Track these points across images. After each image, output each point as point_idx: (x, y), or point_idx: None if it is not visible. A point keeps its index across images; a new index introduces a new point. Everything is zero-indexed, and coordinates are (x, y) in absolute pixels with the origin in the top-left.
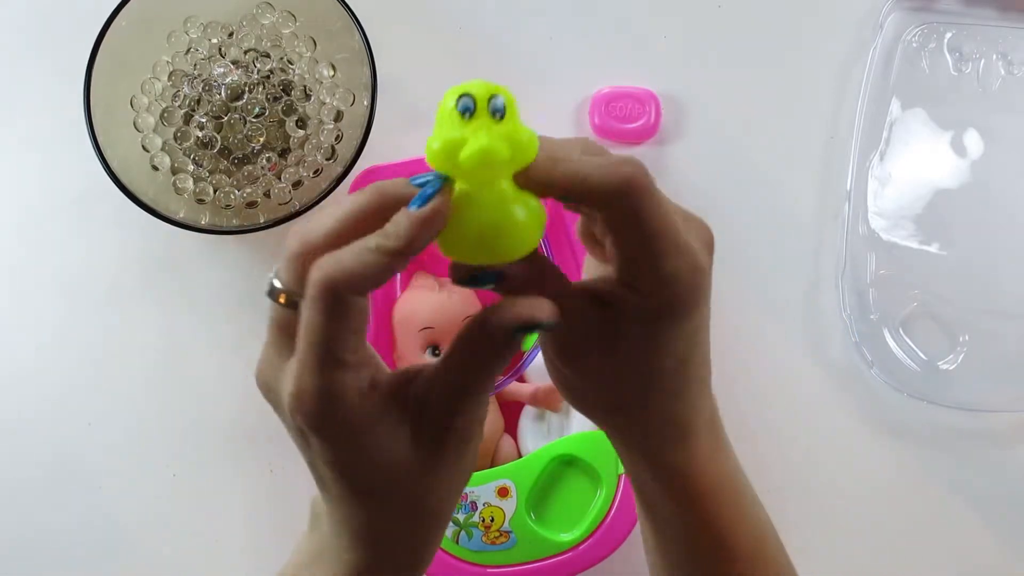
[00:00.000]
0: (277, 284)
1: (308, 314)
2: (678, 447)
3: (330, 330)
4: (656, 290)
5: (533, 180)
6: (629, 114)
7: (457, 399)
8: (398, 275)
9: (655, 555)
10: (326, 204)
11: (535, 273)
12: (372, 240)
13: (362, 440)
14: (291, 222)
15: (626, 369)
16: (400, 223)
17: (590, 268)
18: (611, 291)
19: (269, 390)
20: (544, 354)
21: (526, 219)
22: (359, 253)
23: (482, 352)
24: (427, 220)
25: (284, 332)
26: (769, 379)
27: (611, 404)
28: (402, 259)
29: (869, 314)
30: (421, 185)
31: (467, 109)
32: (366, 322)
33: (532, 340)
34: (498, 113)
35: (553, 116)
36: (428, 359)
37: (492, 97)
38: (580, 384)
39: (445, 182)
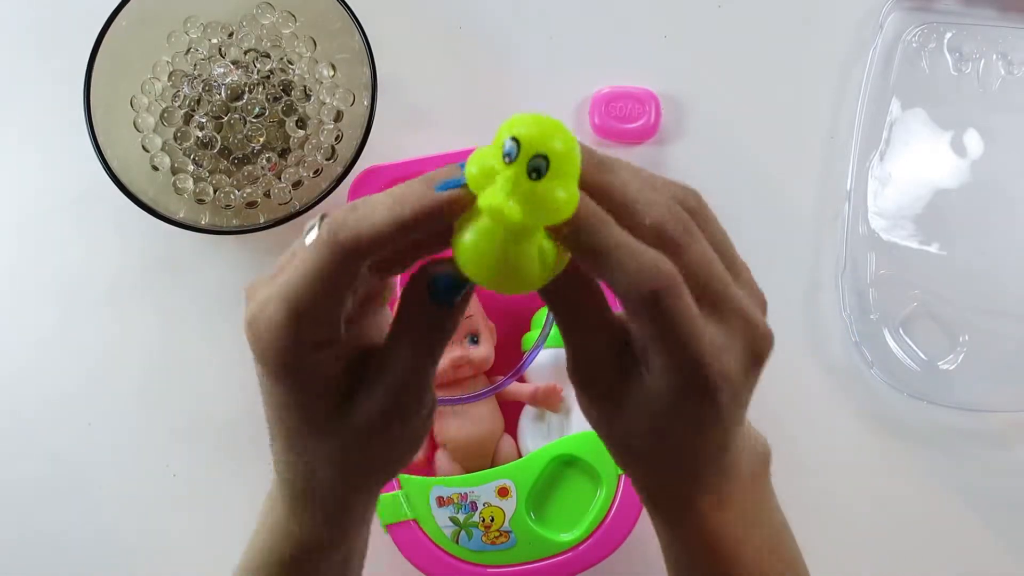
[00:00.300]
0: (314, 232)
1: (304, 256)
2: (687, 507)
3: (316, 279)
4: (659, 381)
5: (565, 240)
6: (629, 114)
7: (398, 370)
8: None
9: None
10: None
11: (572, 292)
12: (384, 204)
13: (296, 380)
14: (294, 220)
15: (635, 414)
16: (414, 196)
17: None
18: (634, 345)
19: (251, 288)
20: (571, 378)
21: (533, 262)
22: (367, 214)
23: (411, 317)
24: (436, 205)
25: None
26: (769, 379)
27: (622, 440)
28: (403, 233)
29: (869, 314)
30: (451, 182)
31: (508, 155)
32: (352, 287)
33: (531, 341)
34: (535, 173)
35: (553, 116)
36: None
37: (536, 156)
38: (595, 412)
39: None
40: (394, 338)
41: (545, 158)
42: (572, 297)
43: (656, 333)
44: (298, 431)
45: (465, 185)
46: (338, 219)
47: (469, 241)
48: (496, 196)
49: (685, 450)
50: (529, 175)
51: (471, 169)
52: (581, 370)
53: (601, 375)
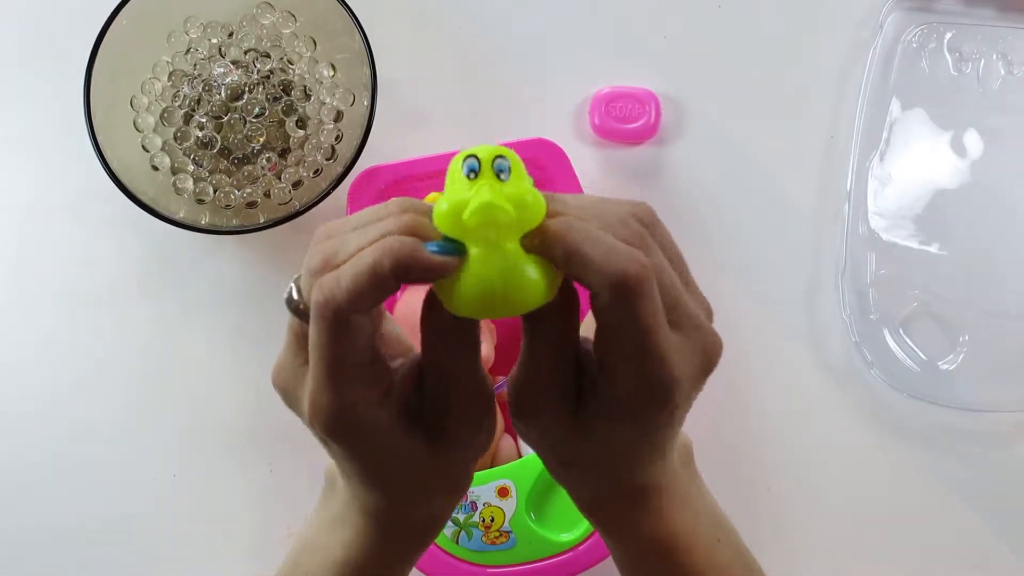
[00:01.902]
0: (295, 296)
1: (313, 333)
2: (629, 511)
3: (335, 348)
4: (620, 386)
5: (537, 245)
6: (629, 114)
7: (442, 380)
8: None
9: None
10: (352, 217)
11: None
12: (369, 257)
13: (378, 444)
14: (322, 225)
15: (582, 432)
16: (407, 250)
17: (588, 324)
18: (588, 358)
19: (287, 394)
20: (509, 395)
21: (534, 279)
22: (357, 274)
23: (435, 334)
24: (433, 266)
25: (301, 339)
26: (769, 379)
27: (563, 458)
28: (390, 281)
29: (869, 314)
30: (442, 248)
31: (472, 170)
32: (371, 334)
33: None
34: (503, 174)
35: (553, 116)
36: None
37: (496, 158)
38: (535, 434)
39: (462, 251)
40: (433, 359)
41: (503, 158)
42: (554, 320)
43: (624, 329)
44: (386, 479)
45: (460, 251)
46: (328, 277)
47: (474, 275)
48: (481, 196)
49: (631, 456)
50: (497, 176)
51: (441, 207)
52: (532, 395)
53: (551, 398)
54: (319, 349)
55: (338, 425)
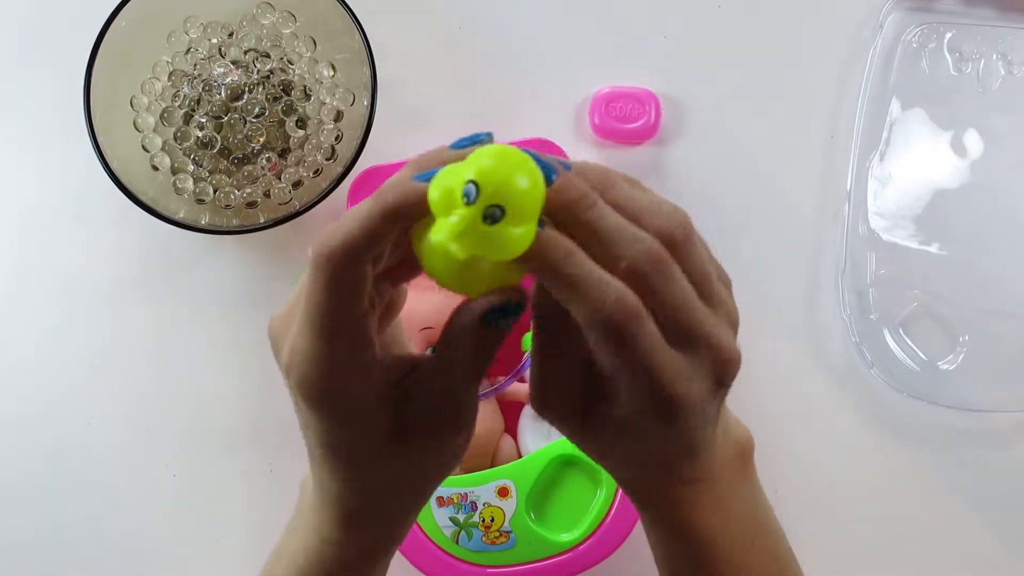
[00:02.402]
0: None
1: (307, 282)
2: (663, 501)
3: (324, 295)
4: (622, 403)
5: (528, 266)
6: (629, 114)
7: (448, 390)
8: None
9: None
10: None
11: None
12: (364, 203)
13: (349, 412)
14: (332, 223)
15: (607, 430)
16: (395, 186)
17: None
18: (601, 366)
19: (275, 342)
20: (536, 404)
21: (486, 273)
22: (351, 218)
23: (461, 342)
24: (416, 195)
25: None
26: (769, 379)
27: (594, 451)
28: (389, 223)
29: (869, 314)
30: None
31: (467, 196)
32: (362, 295)
33: (531, 341)
34: (489, 220)
35: (553, 116)
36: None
37: (492, 205)
38: (566, 429)
39: (446, 168)
40: (444, 361)
41: (501, 208)
42: (557, 320)
43: (620, 362)
44: (350, 460)
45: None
46: (325, 232)
47: (427, 250)
48: (442, 232)
49: (656, 454)
50: (484, 220)
51: (433, 194)
52: (550, 394)
53: (569, 396)
54: (309, 297)
55: (310, 379)
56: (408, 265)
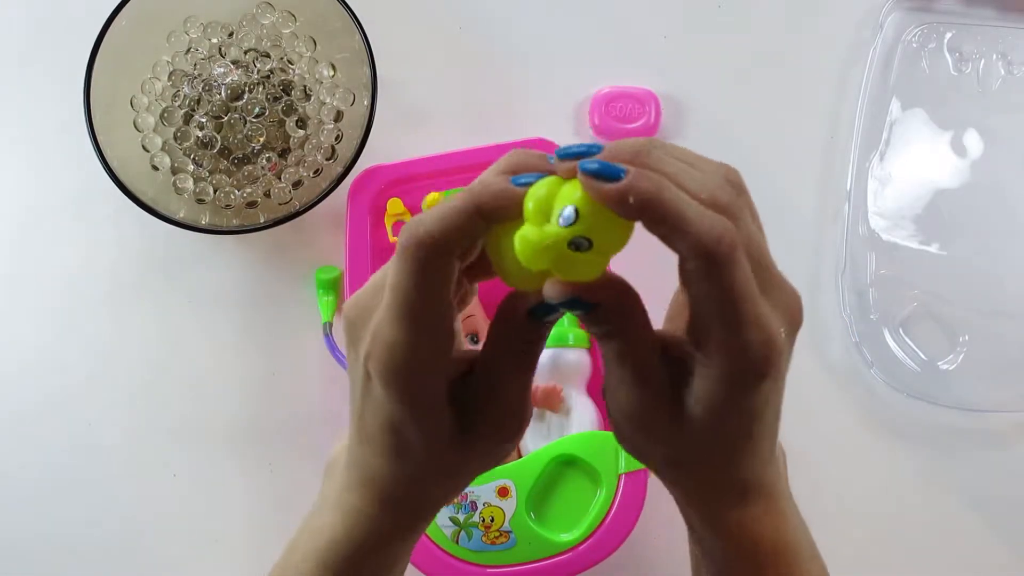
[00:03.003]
0: None
1: (393, 272)
2: (735, 508)
3: (415, 288)
4: (721, 358)
5: (628, 208)
6: (629, 114)
7: (495, 383)
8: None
9: None
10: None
11: (620, 307)
12: (458, 197)
13: (419, 400)
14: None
15: (687, 427)
16: (490, 186)
17: (674, 315)
18: (680, 347)
19: (353, 326)
20: (608, 406)
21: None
22: (439, 211)
23: (506, 336)
24: (510, 197)
25: (378, 286)
26: None
27: (670, 458)
28: (482, 221)
29: (869, 314)
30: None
31: (564, 220)
32: (449, 287)
33: None
34: (574, 247)
35: (553, 116)
36: None
37: (583, 236)
38: (639, 437)
39: (548, 179)
40: (495, 359)
41: (589, 241)
42: (626, 316)
43: (717, 297)
44: (410, 450)
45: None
46: (413, 222)
47: (501, 248)
48: (527, 243)
49: (733, 447)
50: (569, 246)
51: (528, 203)
52: (642, 408)
53: (648, 403)
54: (397, 286)
55: (397, 365)
56: (486, 265)
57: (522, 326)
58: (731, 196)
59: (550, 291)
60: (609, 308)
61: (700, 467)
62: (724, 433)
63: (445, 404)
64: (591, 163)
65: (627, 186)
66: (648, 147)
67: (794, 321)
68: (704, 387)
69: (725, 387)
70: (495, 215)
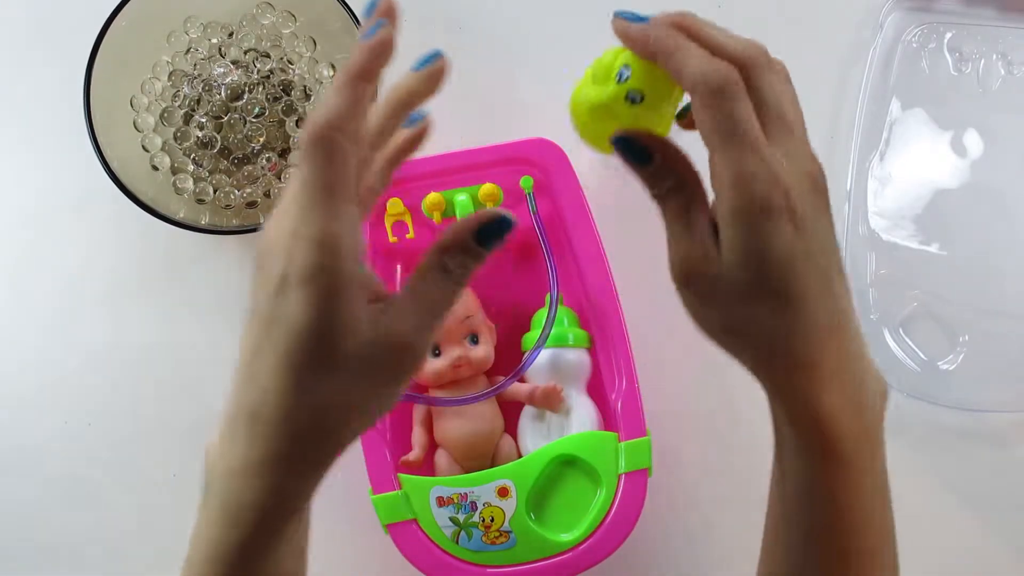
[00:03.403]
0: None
1: (302, 169)
2: (793, 379)
3: (324, 173)
4: (724, 192)
5: (647, 47)
6: None
7: (415, 327)
8: (398, 275)
9: (772, 531)
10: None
11: (682, 161)
12: (335, 81)
13: (342, 296)
14: None
15: (726, 282)
16: (354, 53)
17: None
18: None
19: (264, 254)
20: (672, 273)
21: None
22: (326, 99)
23: (439, 256)
24: (374, 47)
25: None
26: None
27: (725, 324)
28: (362, 84)
29: (869, 314)
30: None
31: (619, 76)
32: (353, 168)
33: (531, 341)
34: (629, 100)
35: (552, 116)
36: (429, 360)
37: (635, 90)
38: (696, 301)
39: (386, 26)
40: (418, 285)
41: (642, 95)
42: (686, 169)
43: (713, 127)
44: (322, 359)
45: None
46: (309, 119)
47: (575, 108)
48: (589, 97)
49: (776, 303)
50: (626, 100)
51: (590, 72)
52: (682, 262)
53: (697, 260)
54: (309, 180)
55: (319, 251)
56: (405, 147)
57: (466, 247)
58: (747, 51)
59: (620, 134)
60: (670, 161)
61: (749, 333)
62: (755, 285)
63: (361, 306)
64: (625, 12)
65: (646, 27)
66: (686, 14)
67: (811, 176)
68: (721, 230)
69: (733, 224)
70: (373, 72)
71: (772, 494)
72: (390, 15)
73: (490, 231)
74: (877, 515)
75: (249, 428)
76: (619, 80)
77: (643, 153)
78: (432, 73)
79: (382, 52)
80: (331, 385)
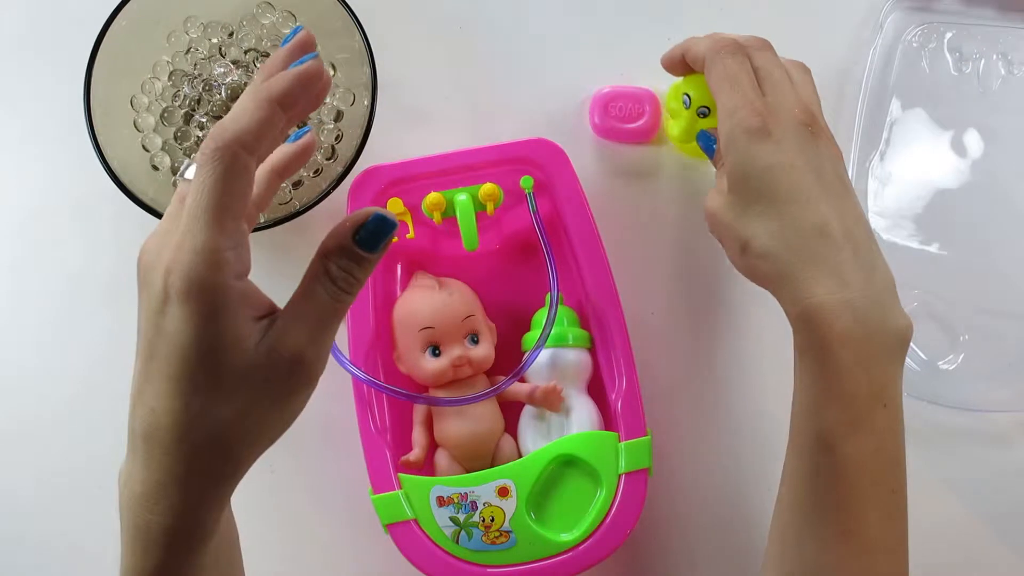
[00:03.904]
0: (192, 168)
1: (199, 177)
2: (791, 272)
3: (220, 188)
4: (720, 123)
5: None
6: (629, 114)
7: (299, 321)
8: (398, 275)
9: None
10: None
11: None
12: (247, 97)
13: (223, 311)
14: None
15: (730, 198)
16: (280, 74)
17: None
18: None
19: (147, 267)
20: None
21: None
22: (237, 113)
23: (325, 263)
24: (303, 78)
25: (179, 211)
26: (770, 379)
27: (742, 242)
28: (280, 111)
29: None
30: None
31: (685, 103)
32: (251, 187)
33: (531, 341)
34: (700, 115)
35: (553, 116)
36: (429, 360)
37: (702, 107)
38: (717, 227)
39: (317, 59)
40: (306, 294)
41: (708, 109)
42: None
43: (711, 80)
44: (209, 370)
45: (316, 58)
46: (216, 128)
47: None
48: (676, 126)
49: (768, 211)
50: (697, 114)
51: (670, 104)
52: (708, 201)
53: (716, 196)
54: (201, 191)
55: (197, 269)
56: (300, 156)
57: (348, 251)
58: (747, 40)
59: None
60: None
61: (752, 244)
62: (745, 195)
63: (247, 321)
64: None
65: (672, 48)
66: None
67: (794, 115)
68: (722, 153)
69: (726, 150)
70: (295, 103)
71: (791, 415)
72: (308, 49)
73: (369, 232)
74: (874, 421)
75: (146, 450)
76: (686, 106)
77: (385, 223)
78: (308, 76)
79: (310, 86)
80: (221, 403)
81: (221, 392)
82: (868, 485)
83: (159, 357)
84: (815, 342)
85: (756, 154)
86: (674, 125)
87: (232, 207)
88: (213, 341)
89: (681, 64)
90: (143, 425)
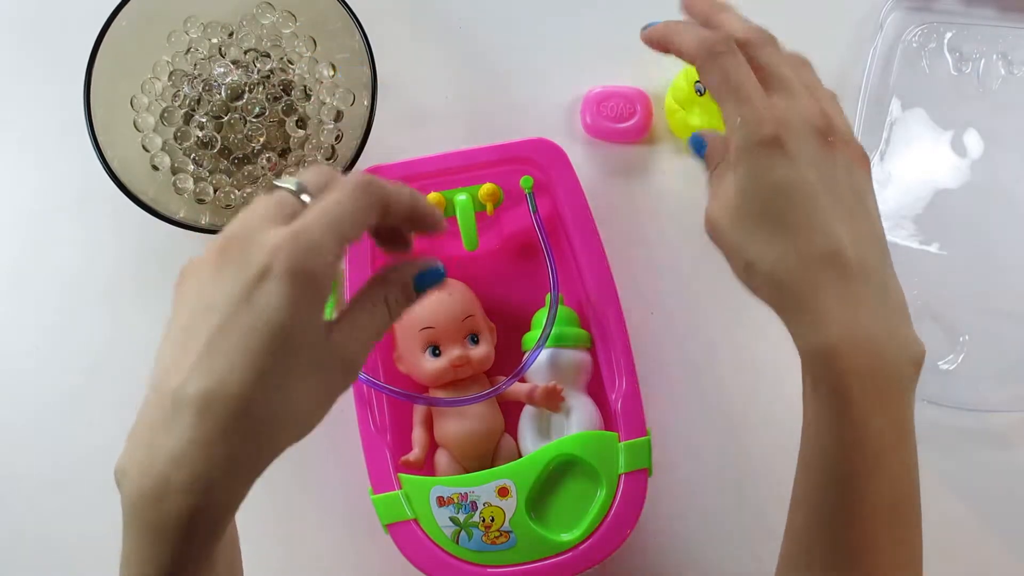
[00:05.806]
0: (295, 186)
1: (344, 193)
2: (798, 303)
3: (356, 210)
4: (731, 134)
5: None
6: (620, 113)
7: (361, 336)
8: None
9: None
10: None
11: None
12: (406, 188)
13: (315, 299)
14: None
15: (738, 214)
16: (430, 210)
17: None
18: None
19: (240, 239)
20: (706, 231)
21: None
22: (402, 189)
23: (385, 301)
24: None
25: (283, 209)
26: (770, 379)
27: (748, 262)
28: (412, 215)
29: None
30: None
31: (698, 91)
32: (371, 223)
33: (531, 341)
34: (698, 93)
35: (545, 115)
36: (429, 360)
37: (696, 84)
38: (722, 243)
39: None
40: (362, 309)
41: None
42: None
43: (714, 84)
44: (286, 348)
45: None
46: (367, 177)
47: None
48: (692, 114)
49: (777, 228)
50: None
51: (673, 97)
52: (709, 209)
53: (719, 205)
54: (344, 203)
55: (312, 257)
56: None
57: (407, 291)
58: (747, 33)
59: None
60: (714, 148)
61: (759, 265)
62: (754, 214)
63: (323, 320)
64: (648, 24)
65: (655, 27)
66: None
67: (808, 122)
68: (731, 173)
69: (735, 163)
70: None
71: (801, 442)
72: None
73: (426, 279)
74: (890, 461)
75: (195, 420)
76: (700, 93)
77: (438, 274)
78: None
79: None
80: (292, 385)
81: (293, 375)
82: (884, 527)
83: (239, 328)
84: (830, 380)
85: (767, 168)
86: (686, 116)
87: (355, 231)
88: (305, 324)
89: (654, 42)
90: (202, 393)
